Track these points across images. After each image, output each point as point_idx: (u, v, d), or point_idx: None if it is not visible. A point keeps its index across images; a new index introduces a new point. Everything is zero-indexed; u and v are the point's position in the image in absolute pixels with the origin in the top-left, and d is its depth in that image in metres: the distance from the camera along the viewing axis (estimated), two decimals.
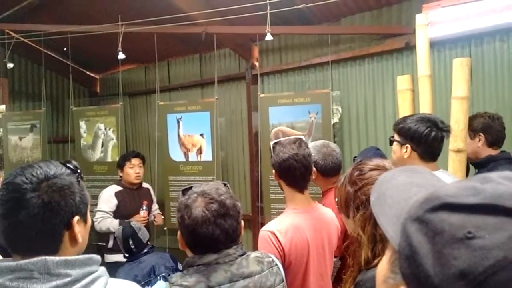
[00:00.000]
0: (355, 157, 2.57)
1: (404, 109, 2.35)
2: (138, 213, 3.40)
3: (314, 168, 2.03)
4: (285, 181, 1.64)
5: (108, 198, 3.36)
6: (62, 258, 0.83)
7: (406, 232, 0.44)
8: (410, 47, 3.18)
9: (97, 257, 0.89)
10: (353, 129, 3.66)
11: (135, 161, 3.46)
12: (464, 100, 2.14)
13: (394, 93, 3.09)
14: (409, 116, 1.90)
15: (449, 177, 1.78)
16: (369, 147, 2.80)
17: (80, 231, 0.91)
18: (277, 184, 1.72)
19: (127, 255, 2.56)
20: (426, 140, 1.73)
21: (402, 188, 0.53)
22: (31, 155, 4.84)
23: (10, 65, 4.55)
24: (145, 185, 3.69)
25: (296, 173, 1.60)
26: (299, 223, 1.57)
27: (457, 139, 2.11)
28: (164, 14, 3.59)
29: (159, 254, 2.64)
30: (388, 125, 3.39)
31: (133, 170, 3.43)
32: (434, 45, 2.97)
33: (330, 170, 2.07)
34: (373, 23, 3.46)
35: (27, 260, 0.81)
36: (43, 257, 0.81)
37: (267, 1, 3.14)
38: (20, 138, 4.95)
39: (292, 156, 1.59)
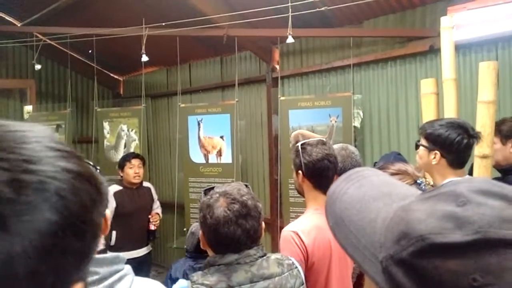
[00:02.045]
0: (375, 162, 2.54)
1: (428, 113, 2.31)
2: (138, 212, 3.52)
3: None
4: (314, 181, 1.63)
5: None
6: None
7: (393, 278, 0.40)
8: (434, 50, 3.13)
9: (123, 256, 0.91)
10: (374, 133, 3.62)
11: (135, 161, 3.53)
12: (491, 105, 2.09)
13: (418, 97, 3.04)
14: (437, 120, 1.86)
15: None
16: (390, 152, 2.75)
17: (106, 225, 0.94)
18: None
19: (189, 253, 2.56)
20: (458, 148, 1.69)
21: (359, 207, 0.48)
22: None
23: (37, 67, 4.69)
24: (145, 184, 3.73)
25: (329, 173, 1.61)
26: (321, 224, 1.57)
27: (483, 145, 2.06)
28: (187, 17, 3.64)
29: None
30: (411, 130, 3.33)
31: (133, 170, 3.50)
32: (459, 48, 2.91)
33: None
34: (397, 25, 3.42)
35: None
36: None
37: (289, 4, 3.14)
38: None
39: (325, 156, 1.59)
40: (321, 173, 1.60)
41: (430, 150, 1.76)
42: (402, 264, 0.39)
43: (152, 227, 3.59)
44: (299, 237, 1.51)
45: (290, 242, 1.50)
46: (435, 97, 2.35)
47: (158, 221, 3.69)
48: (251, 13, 3.44)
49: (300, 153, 1.62)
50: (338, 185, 0.54)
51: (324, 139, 1.70)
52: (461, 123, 1.75)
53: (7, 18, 5.15)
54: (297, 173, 1.66)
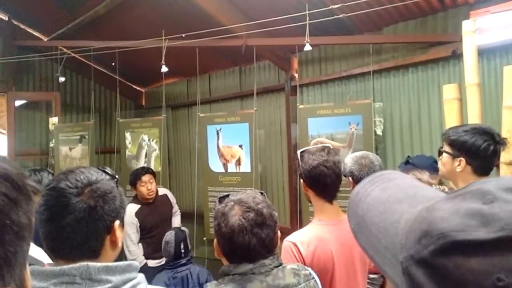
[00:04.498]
0: (408, 156, 2.50)
1: (451, 119, 2.25)
2: (160, 223, 3.48)
3: (350, 179, 1.99)
4: (315, 190, 1.59)
5: (131, 223, 3.33)
6: (104, 264, 0.84)
7: (413, 279, 0.38)
8: (457, 56, 3.05)
9: (136, 264, 0.90)
10: (396, 140, 3.54)
11: (145, 178, 3.42)
12: None
13: (440, 103, 2.97)
14: (461, 126, 1.80)
15: None
16: (428, 156, 2.64)
17: (120, 235, 0.93)
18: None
19: (169, 262, 2.61)
20: (484, 155, 1.62)
21: (382, 208, 0.47)
22: (79, 165, 5.06)
23: (62, 79, 4.84)
24: (161, 191, 3.61)
25: (327, 180, 1.54)
26: (324, 235, 1.52)
27: (509, 151, 1.98)
28: (205, 28, 3.69)
29: (198, 268, 2.64)
30: (434, 136, 3.25)
31: (145, 188, 3.39)
32: (482, 52, 2.83)
33: None
34: (417, 31, 3.36)
35: (70, 266, 0.82)
36: (86, 263, 0.83)
37: (306, 12, 3.14)
38: (70, 149, 5.22)
39: (322, 162, 1.53)
40: (318, 180, 1.54)
41: (454, 157, 1.70)
42: (423, 264, 0.37)
43: None
44: (297, 248, 1.46)
45: (288, 253, 1.46)
46: (458, 103, 2.28)
47: None
48: (268, 22, 3.45)
49: (299, 161, 1.59)
50: (362, 186, 0.52)
51: (329, 145, 1.65)
52: (486, 129, 1.68)
53: (35, 33, 5.35)
54: (302, 182, 1.63)
